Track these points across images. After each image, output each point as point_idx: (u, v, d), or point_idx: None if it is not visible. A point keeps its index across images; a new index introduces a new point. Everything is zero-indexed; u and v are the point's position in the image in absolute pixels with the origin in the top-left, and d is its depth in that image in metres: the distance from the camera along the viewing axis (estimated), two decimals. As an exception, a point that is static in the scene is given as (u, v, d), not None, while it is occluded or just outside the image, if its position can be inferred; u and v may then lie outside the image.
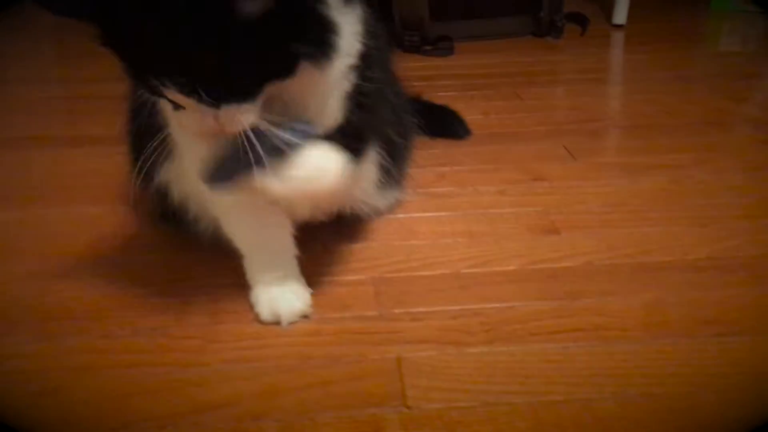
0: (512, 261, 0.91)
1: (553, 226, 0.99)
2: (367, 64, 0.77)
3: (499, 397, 0.69)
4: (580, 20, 1.91)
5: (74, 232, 1.00)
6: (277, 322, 0.81)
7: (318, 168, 0.74)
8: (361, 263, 0.92)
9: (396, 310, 0.82)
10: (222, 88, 0.64)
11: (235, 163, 0.68)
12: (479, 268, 0.90)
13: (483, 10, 1.84)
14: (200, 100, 0.64)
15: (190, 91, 0.63)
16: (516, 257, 0.92)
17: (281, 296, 0.82)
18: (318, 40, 0.68)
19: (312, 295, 0.84)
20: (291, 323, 0.81)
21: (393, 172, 0.98)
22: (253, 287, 0.83)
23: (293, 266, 0.85)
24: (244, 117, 0.66)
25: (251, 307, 0.83)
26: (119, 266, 0.92)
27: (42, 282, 0.89)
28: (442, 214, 1.03)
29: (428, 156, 1.18)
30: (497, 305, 0.82)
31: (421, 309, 0.82)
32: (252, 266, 0.84)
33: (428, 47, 1.73)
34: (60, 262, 0.92)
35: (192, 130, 0.68)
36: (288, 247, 0.85)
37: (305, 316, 0.81)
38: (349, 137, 0.78)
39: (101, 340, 0.78)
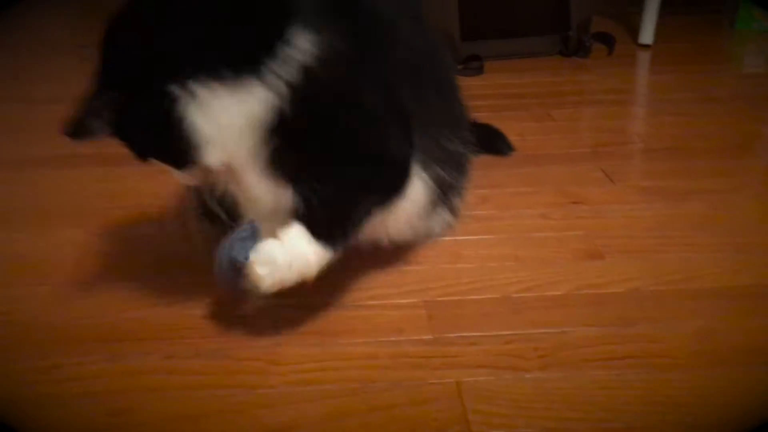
0: (560, 286, 0.93)
1: (597, 250, 1.00)
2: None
3: (560, 423, 0.71)
4: (608, 40, 1.93)
5: (127, 252, 1.03)
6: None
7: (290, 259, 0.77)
8: (412, 286, 0.94)
9: (450, 334, 0.84)
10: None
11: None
12: (528, 292, 0.92)
13: (512, 29, 1.86)
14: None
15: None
16: (563, 282, 0.94)
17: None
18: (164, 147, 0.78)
19: (363, 317, 0.87)
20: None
21: (446, 198, 0.98)
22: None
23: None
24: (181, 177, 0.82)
25: (311, 329, 0.85)
26: (177, 286, 0.94)
27: (103, 301, 0.91)
28: (487, 237, 1.05)
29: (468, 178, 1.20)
30: (549, 330, 0.84)
31: (474, 333, 0.84)
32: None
33: (459, 66, 1.76)
34: (119, 283, 0.95)
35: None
36: None
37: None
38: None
39: (166, 361, 0.80)
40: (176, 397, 0.75)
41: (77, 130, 0.77)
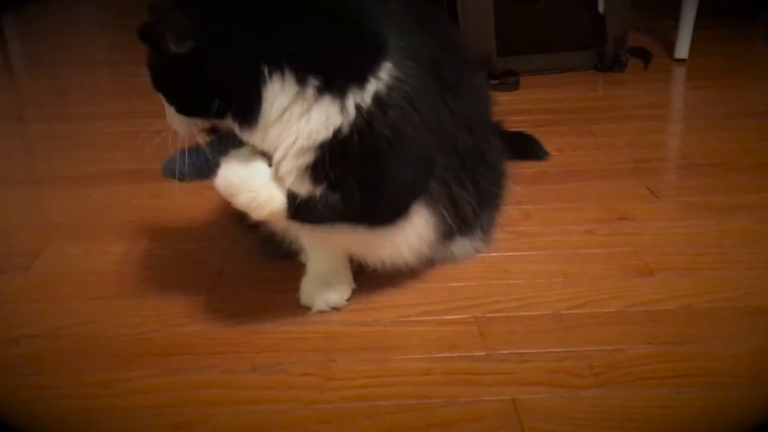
0: (611, 303, 0.93)
1: (647, 267, 1.00)
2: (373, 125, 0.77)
3: (620, 442, 0.71)
4: (643, 54, 1.93)
5: (179, 267, 1.04)
6: (309, 307, 0.93)
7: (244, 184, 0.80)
8: (462, 302, 0.94)
9: (503, 351, 0.84)
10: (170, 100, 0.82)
11: (182, 161, 0.83)
12: (579, 309, 0.92)
13: (548, 44, 1.87)
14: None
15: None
16: (614, 299, 0.93)
17: (320, 287, 0.93)
18: (233, 104, 0.77)
19: (414, 333, 0.88)
20: (321, 311, 0.92)
21: (465, 222, 0.97)
22: (305, 275, 0.96)
23: (342, 266, 0.96)
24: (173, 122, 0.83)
25: (364, 345, 0.86)
26: (229, 301, 0.95)
27: (158, 315, 0.93)
28: (533, 253, 1.05)
29: (511, 193, 1.20)
30: (603, 348, 0.84)
31: (527, 350, 0.84)
32: (310, 258, 0.97)
33: (495, 81, 1.77)
34: (173, 297, 0.96)
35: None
36: (340, 255, 0.95)
37: (335, 308, 0.93)
38: (348, 197, 0.80)
39: (224, 375, 0.81)
40: (236, 411, 0.76)
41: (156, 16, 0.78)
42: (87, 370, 0.83)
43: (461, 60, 0.95)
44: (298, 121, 0.77)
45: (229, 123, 0.79)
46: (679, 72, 1.95)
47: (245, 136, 0.79)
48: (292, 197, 0.81)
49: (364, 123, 0.77)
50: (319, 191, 0.80)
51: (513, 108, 1.65)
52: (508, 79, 1.78)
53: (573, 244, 1.07)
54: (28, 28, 2.84)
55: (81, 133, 1.64)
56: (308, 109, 0.76)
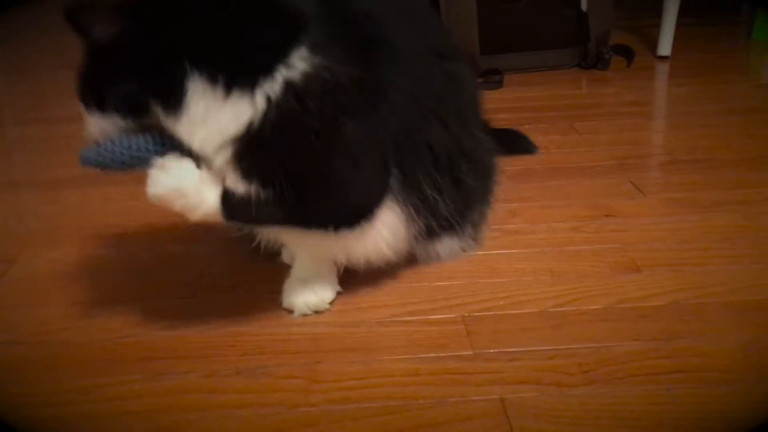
0: (598, 300, 0.92)
1: (633, 263, 0.99)
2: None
3: (610, 440, 0.70)
4: (626, 52, 1.93)
5: (160, 270, 1.02)
6: (291, 311, 0.92)
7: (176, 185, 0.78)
8: (448, 301, 0.93)
9: (491, 350, 0.83)
10: (83, 96, 0.82)
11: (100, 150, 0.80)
12: (566, 306, 0.91)
13: (531, 42, 1.87)
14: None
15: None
16: (601, 296, 0.93)
17: (301, 290, 0.92)
18: (158, 95, 0.76)
19: (400, 333, 0.86)
20: (304, 314, 0.91)
21: (446, 220, 0.95)
22: (288, 277, 0.94)
23: (325, 268, 0.94)
24: (90, 124, 0.82)
25: (350, 346, 0.84)
26: (212, 304, 0.94)
27: (139, 320, 0.91)
28: (520, 251, 1.04)
29: (496, 192, 1.19)
30: (591, 345, 0.83)
31: (515, 349, 0.83)
32: (294, 261, 0.96)
33: (479, 80, 1.76)
34: (154, 301, 0.95)
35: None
36: (322, 255, 0.93)
37: (317, 311, 0.91)
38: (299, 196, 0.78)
39: (207, 379, 0.79)
40: (219, 416, 0.74)
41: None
42: (66, 376, 0.81)
43: (441, 52, 0.92)
44: (215, 115, 0.74)
45: (153, 117, 0.77)
46: (662, 69, 1.95)
47: (172, 127, 0.77)
48: (227, 197, 0.79)
49: (276, 115, 0.74)
50: (252, 189, 0.78)
51: (497, 106, 1.64)
52: (492, 78, 1.78)
53: (559, 242, 1.07)
54: (5, 33, 2.80)
55: (58, 135, 1.61)
56: (221, 104, 0.74)
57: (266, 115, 0.74)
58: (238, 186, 0.78)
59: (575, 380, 0.78)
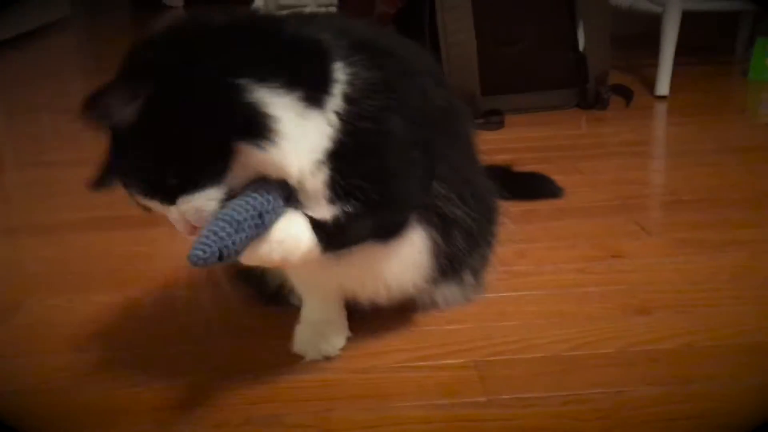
0: (609, 343, 0.91)
1: (642, 305, 0.99)
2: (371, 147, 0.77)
3: (630, 489, 0.69)
4: (625, 92, 1.96)
5: (166, 317, 1.01)
6: (301, 357, 0.90)
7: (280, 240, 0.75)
8: (460, 345, 0.92)
9: (504, 396, 0.82)
10: (155, 190, 0.74)
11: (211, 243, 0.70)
12: (578, 350, 0.90)
13: (531, 83, 1.89)
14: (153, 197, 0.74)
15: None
16: (612, 339, 0.92)
17: (312, 335, 0.92)
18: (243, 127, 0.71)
19: (412, 379, 0.85)
20: (314, 360, 0.90)
21: (454, 261, 0.93)
22: (299, 323, 0.93)
23: (336, 313, 0.94)
24: (203, 204, 0.73)
25: (361, 392, 0.83)
26: (220, 351, 0.93)
27: (146, 368, 0.89)
28: (528, 293, 1.04)
29: (503, 232, 1.19)
30: (605, 390, 0.82)
31: (529, 394, 0.82)
32: (304, 306, 0.95)
33: (480, 121, 1.77)
34: (161, 349, 0.93)
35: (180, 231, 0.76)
36: (334, 300, 0.94)
37: (328, 357, 0.90)
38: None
39: (218, 429, 0.78)
40: (230, 467, 0.73)
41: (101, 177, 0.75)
42: (72, 428, 0.80)
43: (438, 80, 0.93)
44: (305, 132, 0.73)
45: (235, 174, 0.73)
46: (661, 109, 1.97)
47: (267, 162, 0.72)
48: (320, 228, 0.77)
49: (347, 126, 0.75)
50: (342, 208, 0.77)
51: (499, 147, 1.65)
52: (493, 119, 1.79)
53: (568, 283, 1.06)
54: (5, 74, 2.82)
55: (58, 180, 1.61)
56: (306, 121, 0.73)
57: (340, 128, 0.75)
58: (329, 210, 0.77)
59: (591, 427, 0.77)
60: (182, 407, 0.82)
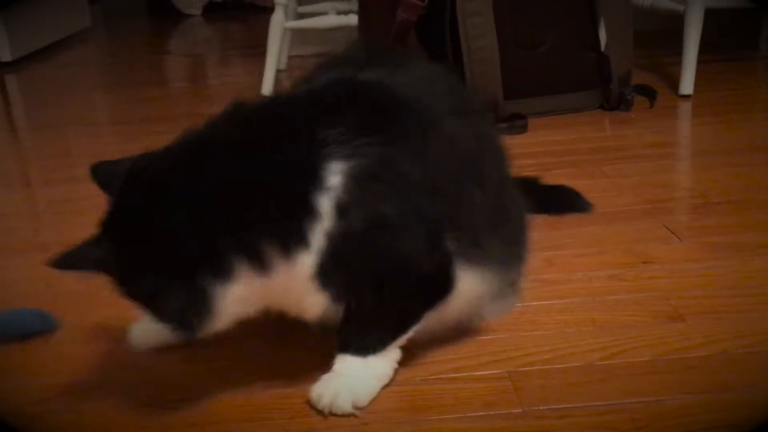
0: (644, 351, 0.91)
1: (676, 312, 0.98)
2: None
3: (672, 501, 0.68)
4: (648, 92, 1.94)
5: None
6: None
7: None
8: (493, 356, 0.92)
9: (540, 407, 0.82)
10: None
11: None
12: (612, 359, 0.90)
13: (553, 86, 1.88)
14: None
15: None
16: (647, 347, 0.92)
17: (335, 386, 0.85)
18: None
19: (447, 391, 0.86)
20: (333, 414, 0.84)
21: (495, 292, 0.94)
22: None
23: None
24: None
25: (398, 406, 0.84)
26: (256, 365, 0.93)
27: (186, 383, 0.91)
28: (560, 301, 1.04)
29: (530, 241, 1.19)
30: (642, 400, 0.82)
31: (565, 405, 0.82)
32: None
33: (503, 125, 1.77)
34: (198, 364, 0.95)
35: None
36: None
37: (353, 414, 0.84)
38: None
39: (256, 445, 0.79)
40: (271, 483, 0.74)
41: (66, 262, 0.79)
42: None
43: (461, 110, 0.92)
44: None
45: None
46: (685, 108, 1.96)
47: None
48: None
49: (338, 241, 0.76)
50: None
51: (523, 151, 1.65)
52: (516, 123, 1.79)
53: (598, 291, 1.06)
54: (30, 89, 2.86)
55: (89, 195, 1.61)
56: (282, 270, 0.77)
57: (328, 247, 0.77)
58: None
59: (629, 437, 0.77)
60: (219, 422, 0.83)
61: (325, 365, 0.89)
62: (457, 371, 0.90)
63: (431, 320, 0.88)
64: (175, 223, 0.74)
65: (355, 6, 2.39)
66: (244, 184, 0.75)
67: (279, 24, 2.30)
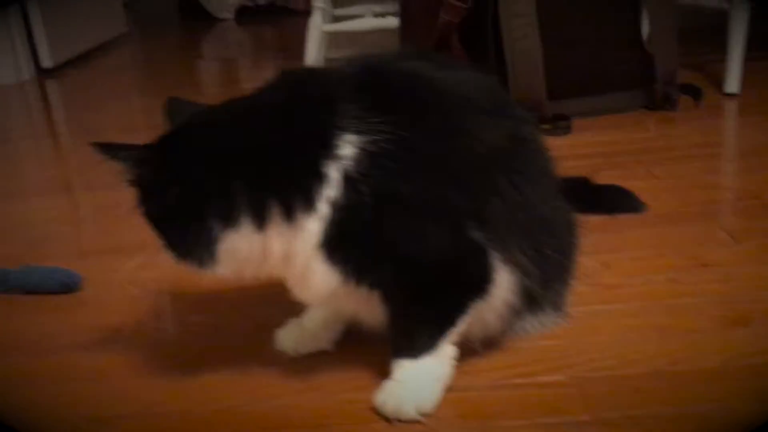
0: (711, 357, 0.89)
1: (740, 317, 0.97)
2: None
3: None
4: (693, 91, 1.91)
5: (263, 337, 1.01)
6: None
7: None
8: (556, 362, 0.92)
9: (609, 414, 0.82)
10: None
11: None
12: (679, 365, 0.89)
13: (597, 86, 1.86)
14: None
15: None
16: (714, 353, 0.90)
17: (398, 392, 0.85)
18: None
19: (513, 398, 0.85)
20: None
21: (532, 297, 0.91)
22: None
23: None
24: None
25: (467, 412, 0.84)
26: (319, 370, 0.93)
27: (251, 388, 0.91)
28: (620, 306, 1.03)
29: (585, 243, 1.17)
30: (713, 407, 0.81)
31: (634, 412, 0.81)
32: None
33: (547, 126, 1.76)
34: (261, 368, 0.94)
35: None
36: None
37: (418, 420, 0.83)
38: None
39: (326, 451, 0.80)
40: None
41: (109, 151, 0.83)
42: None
43: (505, 113, 0.90)
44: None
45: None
46: (731, 107, 1.92)
47: None
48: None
49: (345, 212, 0.78)
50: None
51: (568, 153, 1.63)
52: (560, 124, 1.77)
53: (658, 295, 1.05)
54: (70, 94, 2.90)
55: (127, 201, 1.63)
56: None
57: (334, 218, 0.79)
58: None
59: (704, 446, 0.76)
60: (288, 427, 0.84)
61: (386, 371, 0.90)
62: (521, 377, 0.89)
63: (473, 323, 0.88)
64: (204, 164, 0.80)
65: (391, 8, 2.40)
66: (263, 143, 0.80)
67: (317, 27, 2.32)
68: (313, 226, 0.79)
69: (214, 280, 1.15)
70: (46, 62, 3.02)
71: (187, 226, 0.81)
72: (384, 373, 0.89)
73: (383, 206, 0.78)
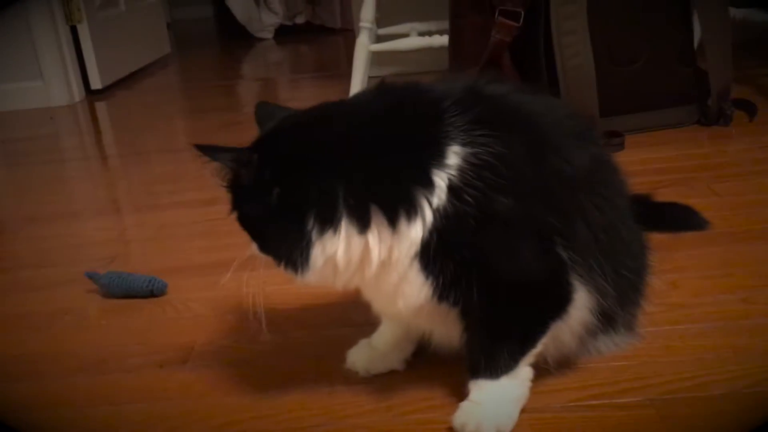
0: (792, 378, 0.88)
1: (819, 337, 0.95)
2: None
3: None
4: (747, 106, 1.89)
5: (332, 355, 1.01)
6: None
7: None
8: (631, 383, 0.90)
9: (691, 438, 0.81)
10: None
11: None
12: (759, 386, 0.87)
13: (649, 102, 1.85)
14: None
15: None
16: (794, 374, 0.89)
17: (477, 414, 0.85)
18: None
19: (590, 419, 0.84)
20: None
21: (606, 316, 0.91)
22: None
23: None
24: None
25: None
26: (390, 388, 0.93)
27: (327, 406, 0.92)
28: (692, 326, 1.01)
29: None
30: (799, 430, 0.79)
31: (717, 435, 0.80)
32: None
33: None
34: (333, 386, 0.95)
35: None
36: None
37: None
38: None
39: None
40: None
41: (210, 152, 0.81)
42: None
43: (582, 134, 0.90)
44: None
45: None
46: (787, 122, 1.90)
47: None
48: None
49: (446, 221, 0.78)
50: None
51: (624, 170, 1.62)
52: (614, 140, 1.76)
53: (731, 315, 1.03)
54: (118, 115, 2.96)
55: (193, 221, 1.64)
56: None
57: (436, 225, 0.78)
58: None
59: (793, 471, 0.74)
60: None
61: (457, 391, 0.90)
62: (597, 398, 0.88)
63: (549, 342, 0.87)
64: (309, 165, 0.80)
65: (434, 27, 2.41)
66: (370, 147, 0.80)
67: (364, 47, 2.34)
68: (415, 233, 0.78)
69: (280, 300, 1.20)
70: (96, 84, 3.11)
71: (287, 227, 0.80)
72: (455, 393, 0.90)
73: (483, 217, 0.78)
